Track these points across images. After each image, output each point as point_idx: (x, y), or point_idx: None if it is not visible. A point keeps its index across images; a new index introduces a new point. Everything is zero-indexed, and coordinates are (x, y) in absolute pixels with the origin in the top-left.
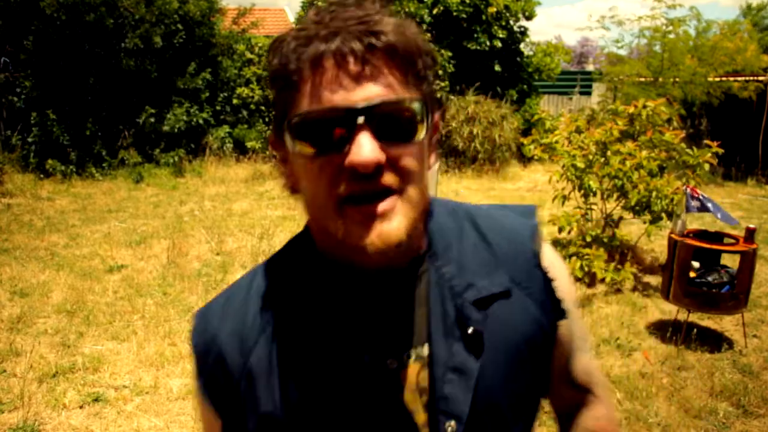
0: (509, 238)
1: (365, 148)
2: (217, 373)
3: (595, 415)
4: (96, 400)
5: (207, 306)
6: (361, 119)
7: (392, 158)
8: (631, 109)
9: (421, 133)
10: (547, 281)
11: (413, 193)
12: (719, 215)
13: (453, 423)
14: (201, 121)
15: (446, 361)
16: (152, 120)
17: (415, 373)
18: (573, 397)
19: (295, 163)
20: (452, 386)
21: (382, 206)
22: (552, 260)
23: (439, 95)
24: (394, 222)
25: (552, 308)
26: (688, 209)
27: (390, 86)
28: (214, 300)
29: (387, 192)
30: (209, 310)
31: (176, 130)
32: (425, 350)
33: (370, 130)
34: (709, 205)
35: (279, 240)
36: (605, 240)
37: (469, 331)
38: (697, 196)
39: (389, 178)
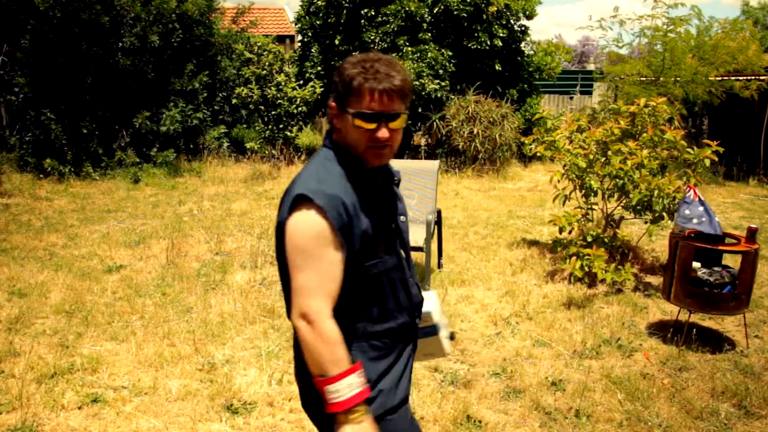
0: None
1: (385, 132)
2: (342, 215)
3: None
4: (94, 400)
5: (312, 189)
6: (383, 119)
7: (391, 135)
8: (633, 108)
9: (402, 124)
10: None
11: (395, 147)
12: (702, 219)
13: (402, 217)
14: (197, 122)
15: (399, 195)
16: (148, 121)
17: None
18: None
19: (347, 123)
20: (401, 203)
21: (382, 151)
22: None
23: (439, 95)
24: (385, 157)
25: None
26: (679, 205)
27: (399, 107)
28: (308, 183)
29: (386, 146)
30: (319, 188)
31: (172, 131)
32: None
33: (386, 124)
34: (700, 208)
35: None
36: (606, 240)
37: (396, 180)
38: (693, 198)
39: (388, 141)
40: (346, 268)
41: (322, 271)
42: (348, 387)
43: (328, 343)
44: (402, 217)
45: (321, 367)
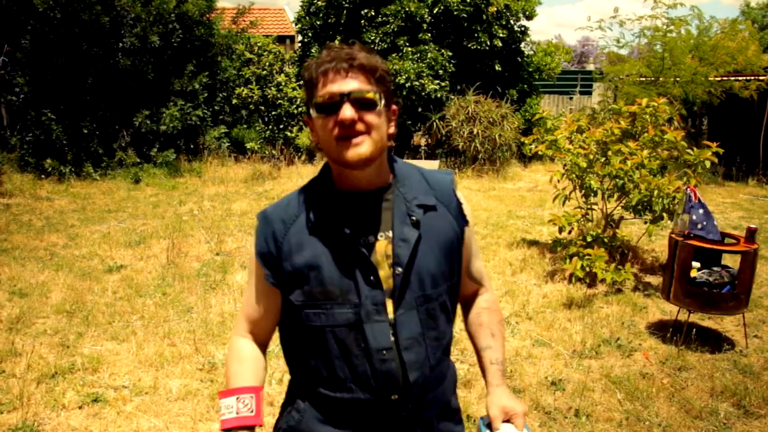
0: (438, 178)
1: (346, 111)
2: (268, 242)
3: (485, 298)
4: (95, 400)
5: (263, 210)
6: (345, 98)
7: (361, 116)
8: (634, 108)
9: (378, 106)
10: (458, 204)
11: (375, 135)
12: (703, 224)
13: (399, 269)
14: (196, 120)
15: (399, 235)
16: (148, 121)
17: (383, 246)
18: (471, 286)
19: (316, 125)
20: (401, 249)
21: (355, 140)
22: (461, 196)
23: (439, 95)
24: (362, 148)
25: (461, 219)
26: (685, 210)
27: (361, 83)
28: (269, 206)
29: (359, 133)
30: (264, 211)
31: (172, 130)
32: (390, 233)
33: (349, 103)
34: (701, 211)
35: None
36: (606, 240)
37: (413, 218)
38: (693, 200)
39: (360, 126)
40: (286, 309)
41: (248, 293)
42: (225, 408)
43: (227, 356)
44: (398, 269)
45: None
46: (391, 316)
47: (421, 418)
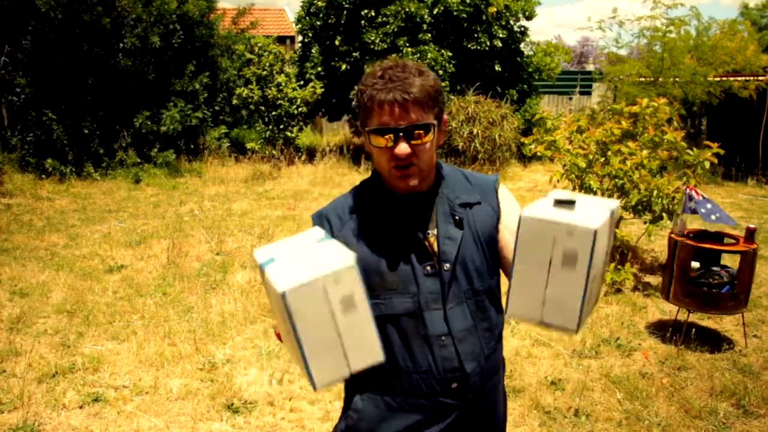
0: (481, 179)
1: (402, 148)
2: (325, 228)
3: None
4: (96, 400)
5: (319, 209)
6: (400, 133)
7: (415, 149)
8: (636, 109)
9: (430, 138)
10: (495, 195)
11: (423, 165)
12: (717, 215)
13: (447, 265)
14: (197, 120)
15: (444, 233)
16: (149, 122)
17: (431, 241)
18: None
19: (371, 146)
20: (447, 246)
21: (407, 172)
22: (505, 192)
23: None
24: (413, 179)
25: (498, 212)
26: (683, 210)
27: (417, 115)
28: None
29: (412, 165)
30: (320, 209)
31: (172, 130)
32: (435, 230)
33: (404, 138)
34: (709, 205)
35: (278, 240)
36: None
37: (456, 218)
38: (696, 198)
39: (413, 159)
40: None
41: None
42: None
43: None
44: (446, 265)
45: None
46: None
47: (480, 407)
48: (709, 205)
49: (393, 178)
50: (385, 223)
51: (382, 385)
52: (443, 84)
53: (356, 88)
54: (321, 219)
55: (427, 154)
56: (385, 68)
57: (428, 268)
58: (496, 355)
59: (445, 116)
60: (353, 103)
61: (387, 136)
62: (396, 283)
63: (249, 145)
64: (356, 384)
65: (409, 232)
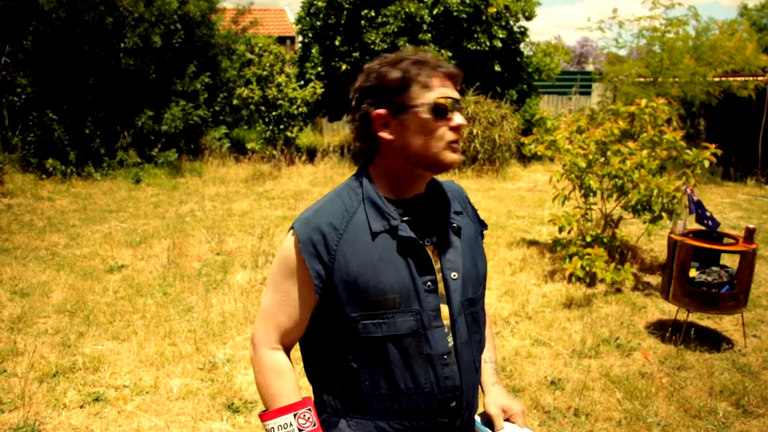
0: (451, 186)
1: (461, 118)
2: (318, 246)
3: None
4: (96, 399)
5: (302, 216)
6: (457, 104)
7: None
8: (633, 109)
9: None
10: (474, 210)
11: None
12: (710, 223)
13: (455, 274)
14: (198, 120)
15: (445, 241)
16: (150, 122)
17: (430, 250)
18: None
19: (415, 126)
20: (451, 254)
21: (458, 146)
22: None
23: None
24: (460, 153)
25: (478, 224)
26: (690, 211)
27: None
28: (305, 212)
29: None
30: (306, 216)
31: (174, 130)
32: (434, 239)
33: (458, 110)
34: (700, 211)
35: (279, 240)
36: (605, 240)
37: (454, 225)
38: (695, 199)
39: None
40: (334, 319)
41: (277, 300)
42: (281, 428)
43: (263, 373)
44: (453, 274)
45: (262, 398)
46: (446, 321)
47: (467, 423)
48: (700, 211)
49: (447, 156)
50: (384, 231)
51: (376, 408)
52: None
53: (380, 72)
54: (313, 232)
55: None
56: (411, 53)
57: (429, 283)
58: (480, 369)
59: None
60: (373, 84)
61: (447, 105)
62: (397, 301)
63: (249, 145)
64: (342, 406)
65: (411, 240)
